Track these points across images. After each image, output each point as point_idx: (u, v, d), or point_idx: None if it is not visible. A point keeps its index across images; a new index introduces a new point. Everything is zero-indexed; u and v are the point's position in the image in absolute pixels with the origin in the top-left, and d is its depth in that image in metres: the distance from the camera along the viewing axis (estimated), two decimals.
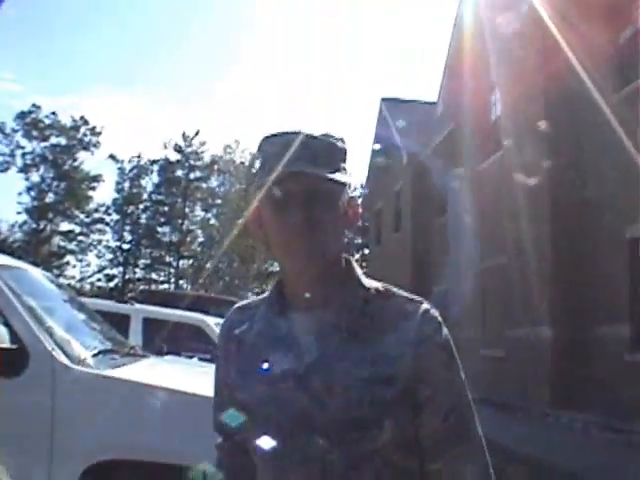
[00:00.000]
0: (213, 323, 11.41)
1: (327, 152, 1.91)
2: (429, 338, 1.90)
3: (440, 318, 1.97)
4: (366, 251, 55.97)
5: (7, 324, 5.18)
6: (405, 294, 2.01)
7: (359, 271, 2.03)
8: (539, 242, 17.53)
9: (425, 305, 1.97)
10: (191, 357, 9.08)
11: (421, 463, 1.91)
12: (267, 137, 1.97)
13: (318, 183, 1.86)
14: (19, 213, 62.12)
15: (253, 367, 1.97)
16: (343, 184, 1.93)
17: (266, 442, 1.89)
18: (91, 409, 5.09)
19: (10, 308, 5.27)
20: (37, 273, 6.94)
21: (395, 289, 2.03)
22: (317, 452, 1.84)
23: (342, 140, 1.98)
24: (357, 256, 62.88)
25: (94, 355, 5.53)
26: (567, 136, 17.11)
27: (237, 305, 2.20)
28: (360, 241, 61.13)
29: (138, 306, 11.93)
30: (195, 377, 5.71)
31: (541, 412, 16.53)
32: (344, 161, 1.96)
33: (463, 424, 1.93)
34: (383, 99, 36.80)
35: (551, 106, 17.37)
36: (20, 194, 62.34)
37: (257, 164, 2.02)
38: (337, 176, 1.88)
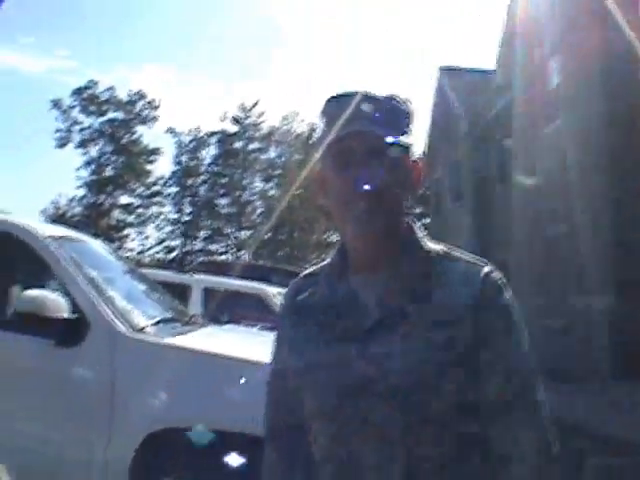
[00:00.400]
0: (273, 293, 11.43)
1: (389, 113, 1.89)
2: (490, 301, 1.88)
3: (504, 280, 1.93)
4: (426, 221, 55.78)
5: (67, 294, 5.21)
6: (468, 256, 1.98)
7: (421, 234, 2.00)
8: (601, 211, 17.26)
9: (488, 267, 1.94)
10: (252, 326, 9.07)
11: (481, 429, 1.88)
12: (330, 98, 1.95)
13: (378, 142, 1.83)
14: (78, 187, 62.67)
15: (314, 332, 1.96)
16: (404, 146, 1.89)
17: (326, 405, 1.87)
18: (151, 377, 5.09)
19: (70, 279, 5.31)
20: (97, 245, 6.98)
21: (458, 251, 2.00)
22: (376, 416, 1.82)
23: (406, 102, 1.96)
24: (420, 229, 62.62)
25: (154, 324, 5.55)
26: (628, 105, 16.80)
27: (303, 273, 2.19)
28: (420, 210, 60.98)
29: (198, 276, 11.99)
30: (254, 345, 5.68)
31: (602, 383, 16.34)
32: (408, 123, 1.94)
33: (525, 389, 1.89)
34: (441, 68, 36.39)
35: (611, 75, 17.06)
36: (78, 169, 62.97)
37: (320, 125, 1.98)
38: (398, 137, 1.86)
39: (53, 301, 5.03)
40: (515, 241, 24.60)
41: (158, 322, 5.70)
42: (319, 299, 2.00)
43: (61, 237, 5.83)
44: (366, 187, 1.84)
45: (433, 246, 2.00)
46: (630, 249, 16.22)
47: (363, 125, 1.84)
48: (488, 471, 1.89)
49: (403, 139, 1.90)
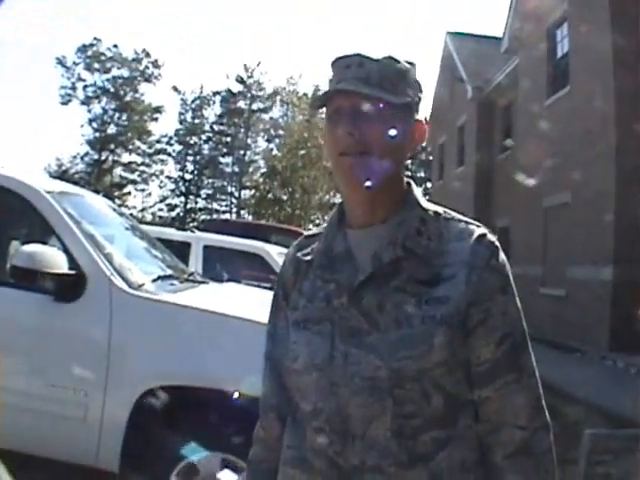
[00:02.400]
0: (274, 252, 11.40)
1: (382, 72, 1.92)
2: (483, 261, 1.90)
3: (497, 243, 1.95)
4: (428, 185, 55.70)
5: (66, 250, 5.19)
6: (464, 218, 2.00)
7: (419, 193, 2.04)
8: (604, 180, 17.18)
9: (482, 229, 1.97)
10: (252, 285, 9.05)
11: (472, 389, 1.91)
12: (333, 60, 1.97)
13: (367, 101, 1.88)
14: (81, 144, 62.70)
15: (311, 285, 2.00)
16: (398, 103, 1.91)
17: (318, 357, 1.90)
18: (148, 334, 5.08)
19: (68, 234, 5.28)
20: (98, 200, 6.96)
21: (455, 213, 2.02)
22: (367, 368, 1.83)
23: (404, 62, 1.97)
24: (419, 190, 62.68)
25: (153, 280, 5.53)
26: (636, 76, 16.70)
27: (306, 233, 2.23)
28: (423, 175, 60.95)
29: (199, 233, 11.94)
30: (253, 304, 5.66)
31: (598, 354, 16.36)
32: (404, 83, 1.95)
33: (516, 352, 1.92)
34: (448, 33, 36.31)
35: (621, 43, 16.94)
36: (82, 126, 62.97)
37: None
38: (385, 95, 1.88)
39: (51, 256, 5.00)
40: (516, 209, 24.61)
41: (157, 279, 5.68)
42: (317, 254, 2.04)
43: (60, 192, 5.79)
44: (350, 145, 1.89)
45: (430, 206, 2.03)
46: (631, 221, 16.17)
47: (350, 84, 1.89)
48: (476, 433, 1.91)
49: (395, 98, 1.91)
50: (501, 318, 1.89)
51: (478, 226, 1.99)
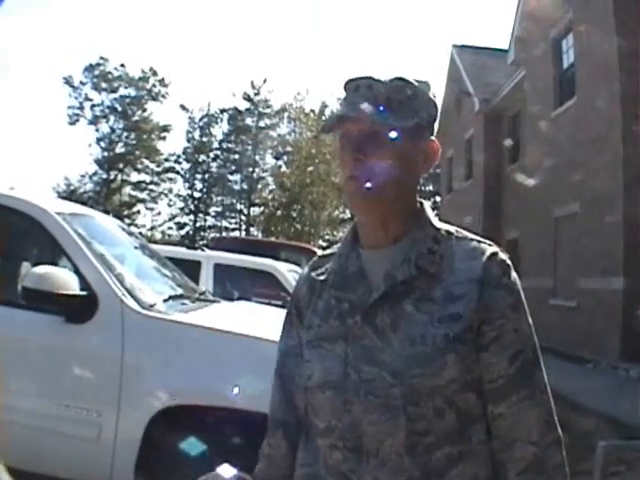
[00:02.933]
0: (284, 269, 11.41)
1: (391, 95, 1.94)
2: (495, 279, 1.92)
3: (509, 262, 1.97)
4: (437, 199, 55.68)
5: (77, 271, 5.20)
6: (476, 237, 2.03)
7: (431, 213, 2.07)
8: (613, 191, 17.17)
9: (494, 247, 1.99)
10: (262, 303, 9.05)
11: (484, 406, 1.93)
12: (345, 82, 2.01)
13: (373, 125, 1.90)
14: (90, 164, 62.90)
15: (325, 304, 2.02)
16: (405, 129, 1.93)
17: (332, 375, 1.91)
18: (160, 354, 5.07)
19: (79, 255, 5.30)
20: (107, 221, 6.97)
21: (466, 232, 2.05)
22: (381, 386, 1.85)
23: (417, 81, 1.99)
24: (428, 203, 62.63)
25: (164, 300, 5.54)
26: None
27: (320, 253, 2.26)
28: (431, 189, 60.90)
29: (209, 252, 11.96)
30: (265, 322, 5.67)
31: (610, 365, 16.31)
32: (417, 103, 1.97)
33: (529, 368, 1.93)
34: (454, 46, 36.39)
35: (626, 50, 16.94)
36: (90, 145, 63.16)
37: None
38: (392, 119, 1.90)
39: (62, 277, 5.02)
40: (526, 221, 24.57)
41: (168, 298, 5.69)
42: (331, 274, 2.06)
43: (70, 213, 5.80)
44: (355, 170, 1.93)
45: (442, 225, 2.06)
46: None
47: (353, 110, 1.91)
48: (489, 450, 1.92)
49: (403, 121, 1.92)
50: (513, 335, 1.91)
51: (490, 245, 2.01)
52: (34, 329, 5.23)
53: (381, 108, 1.90)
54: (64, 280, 5.00)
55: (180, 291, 6.26)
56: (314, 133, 54.34)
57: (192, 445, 4.66)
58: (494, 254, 1.97)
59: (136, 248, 6.95)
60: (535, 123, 23.50)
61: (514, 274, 1.97)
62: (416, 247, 1.96)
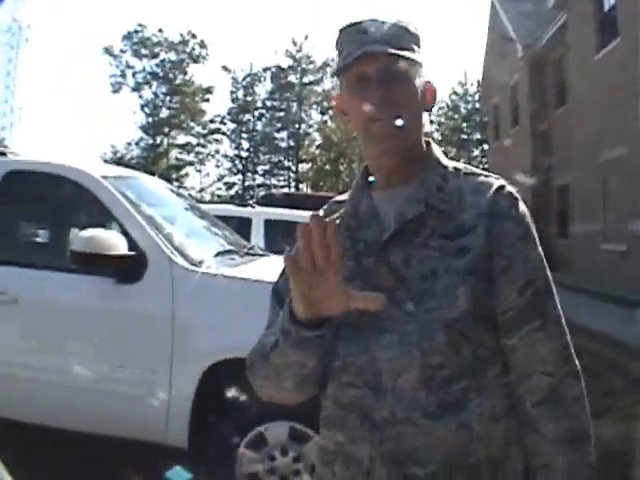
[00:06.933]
0: None
1: (399, 35, 1.96)
2: (503, 211, 1.95)
3: (517, 194, 1.99)
4: (485, 147, 55.31)
5: (125, 232, 5.26)
6: (484, 172, 2.06)
7: (439, 152, 2.11)
8: None
9: (501, 181, 2.02)
10: None
11: (497, 339, 1.93)
12: (342, 27, 2.03)
13: (391, 62, 1.92)
14: (135, 131, 63.14)
15: (340, 246, 1.94)
16: (416, 63, 1.97)
17: (351, 314, 1.88)
18: (211, 308, 5.11)
19: (126, 216, 5.38)
20: (154, 182, 7.01)
21: (475, 169, 2.08)
22: (396, 322, 1.87)
23: (413, 24, 2.02)
24: (477, 152, 62.24)
25: (213, 256, 5.59)
26: None
27: (334, 199, 2.27)
28: (479, 137, 60.46)
29: (259, 208, 11.96)
30: None
31: None
32: (417, 45, 2.02)
33: (540, 299, 1.94)
34: None
35: None
36: (134, 112, 63.37)
37: (336, 56, 2.08)
38: (408, 54, 1.93)
39: (111, 239, 5.08)
40: (574, 166, 24.33)
41: (217, 254, 5.74)
42: (344, 217, 2.08)
43: (116, 176, 5.87)
44: (382, 107, 1.91)
45: (450, 162, 2.09)
46: None
47: (372, 46, 1.91)
48: (507, 383, 1.93)
49: (411, 55, 1.96)
50: (523, 265, 1.92)
51: (497, 178, 2.03)
52: (85, 292, 5.31)
53: (394, 45, 1.92)
54: (112, 242, 5.06)
55: (229, 247, 6.28)
56: None
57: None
58: (501, 187, 1.99)
59: (185, 208, 7.00)
60: (579, 66, 23.24)
61: (522, 206, 1.99)
62: (426, 185, 1.99)
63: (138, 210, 5.44)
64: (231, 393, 4.90)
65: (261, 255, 6.55)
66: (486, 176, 2.04)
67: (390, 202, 2.01)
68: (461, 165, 2.09)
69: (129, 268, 5.13)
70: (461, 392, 1.85)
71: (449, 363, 1.85)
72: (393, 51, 1.91)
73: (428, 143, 2.10)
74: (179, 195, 7.52)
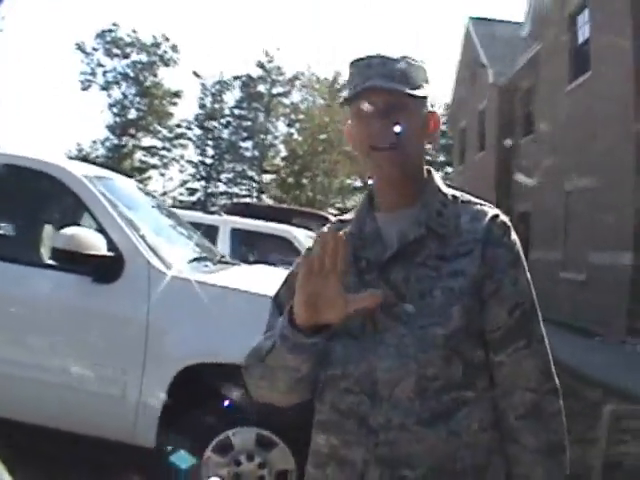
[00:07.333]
0: (301, 235, 11.50)
1: (403, 70, 2.12)
2: (496, 238, 2.13)
3: (509, 223, 2.19)
4: (449, 170, 55.53)
5: (103, 232, 5.31)
6: (479, 201, 2.24)
7: (439, 180, 2.28)
8: (624, 165, 17.21)
9: (496, 210, 2.21)
10: (278, 267, 9.14)
11: (487, 355, 2.11)
12: (352, 61, 2.19)
13: (394, 96, 2.08)
14: (102, 130, 62.69)
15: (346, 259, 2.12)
16: (419, 97, 2.13)
17: (350, 326, 2.08)
18: (185, 314, 5.20)
19: (106, 216, 5.43)
20: (128, 183, 7.06)
21: (471, 197, 2.26)
22: (394, 335, 2.04)
23: (419, 61, 2.19)
24: (440, 174, 62.35)
25: (188, 262, 5.67)
26: None
27: (339, 218, 2.44)
28: (444, 159, 60.69)
29: (226, 217, 12.05)
30: None
31: (618, 339, 16.39)
32: (423, 79, 2.18)
33: (526, 320, 2.13)
34: (470, 18, 36.34)
35: None
36: (102, 111, 62.94)
37: (347, 86, 2.23)
38: (409, 90, 2.09)
39: (90, 238, 5.14)
40: (537, 194, 24.54)
41: (192, 260, 5.83)
42: (349, 235, 2.16)
43: (95, 176, 5.91)
44: (384, 136, 2.08)
45: (449, 190, 2.26)
46: None
47: (377, 81, 2.08)
48: (493, 396, 2.11)
49: (417, 92, 2.12)
50: (512, 289, 2.11)
51: (491, 207, 2.21)
52: (62, 289, 5.36)
53: (397, 81, 2.08)
54: (92, 241, 5.13)
55: (203, 254, 6.38)
56: (327, 101, 54.17)
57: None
58: (496, 216, 2.16)
59: (158, 211, 7.08)
60: (549, 97, 23.49)
61: (514, 235, 2.17)
62: (426, 210, 2.15)
63: (117, 211, 5.49)
64: (201, 397, 4.96)
65: (233, 264, 6.63)
66: (481, 205, 2.22)
67: (393, 224, 2.17)
68: (458, 193, 2.26)
69: (107, 268, 5.19)
70: (452, 402, 2.03)
71: (442, 375, 2.02)
72: (395, 86, 2.07)
73: (429, 171, 2.28)
74: (152, 197, 7.57)
